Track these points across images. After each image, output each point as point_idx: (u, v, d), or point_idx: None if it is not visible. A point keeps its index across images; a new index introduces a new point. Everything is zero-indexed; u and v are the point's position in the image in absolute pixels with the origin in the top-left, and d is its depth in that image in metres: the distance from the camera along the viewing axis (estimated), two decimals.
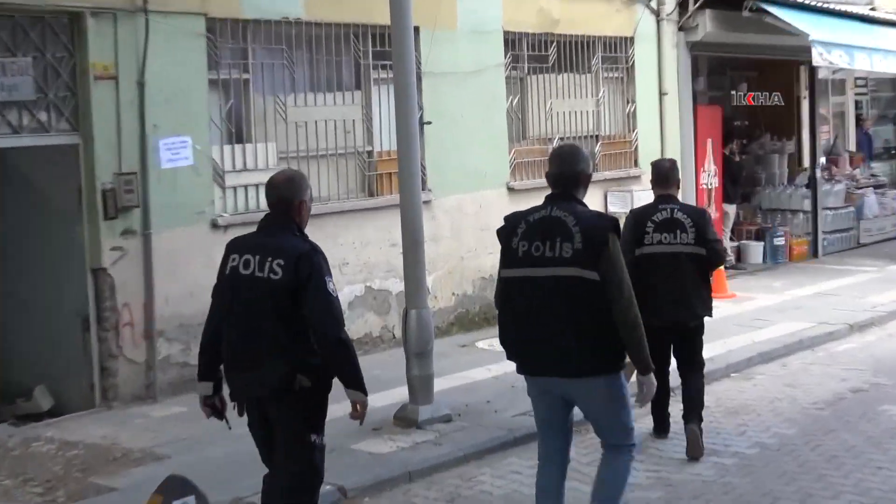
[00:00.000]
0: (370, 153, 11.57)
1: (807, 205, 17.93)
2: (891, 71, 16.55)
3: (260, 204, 10.60)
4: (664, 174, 7.96)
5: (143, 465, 7.65)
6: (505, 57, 12.88)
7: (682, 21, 15.16)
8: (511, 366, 5.61)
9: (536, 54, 13.44)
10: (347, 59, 11.36)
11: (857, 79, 20.47)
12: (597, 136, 14.39)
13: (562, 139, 13.60)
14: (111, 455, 7.89)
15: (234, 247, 5.31)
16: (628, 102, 14.87)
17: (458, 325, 12.28)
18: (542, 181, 12.74)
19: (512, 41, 13.06)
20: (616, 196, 14.26)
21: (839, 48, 15.06)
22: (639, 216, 7.84)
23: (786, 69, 18.34)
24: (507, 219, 5.55)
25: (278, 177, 5.38)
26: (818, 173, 18.51)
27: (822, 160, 19.09)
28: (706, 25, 15.19)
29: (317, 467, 5.17)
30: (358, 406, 5.10)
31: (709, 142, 15.61)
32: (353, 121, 11.39)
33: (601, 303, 5.13)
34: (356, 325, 11.33)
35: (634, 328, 5.17)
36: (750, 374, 10.36)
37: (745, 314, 12.86)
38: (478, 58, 12.47)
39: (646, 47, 14.81)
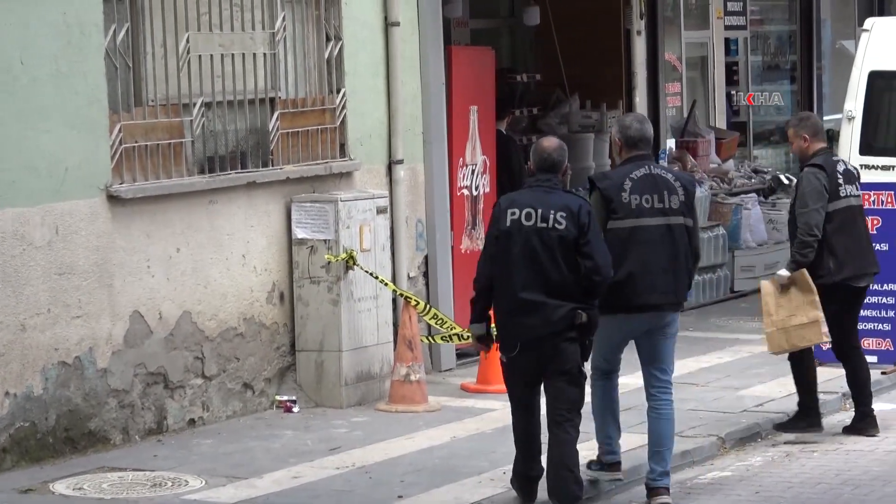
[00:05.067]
0: None
1: None
2: None
3: None
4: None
5: None
6: None
7: None
8: None
9: None
10: None
11: (726, 0, 19.04)
12: (272, 101, 12.56)
13: (207, 105, 11.92)
14: None
15: (510, 202, 8.60)
16: (329, 40, 13.10)
17: (19, 451, 10.98)
18: (175, 182, 11.89)
19: None
20: (306, 210, 12.23)
21: None
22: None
23: None
24: (603, 175, 9.58)
25: (549, 144, 8.66)
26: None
27: (670, 144, 17.64)
28: None
29: (583, 388, 8.63)
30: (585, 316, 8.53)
31: (472, 112, 13.98)
32: None
33: (691, 244, 9.20)
34: None
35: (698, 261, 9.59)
36: None
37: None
38: None
39: None
